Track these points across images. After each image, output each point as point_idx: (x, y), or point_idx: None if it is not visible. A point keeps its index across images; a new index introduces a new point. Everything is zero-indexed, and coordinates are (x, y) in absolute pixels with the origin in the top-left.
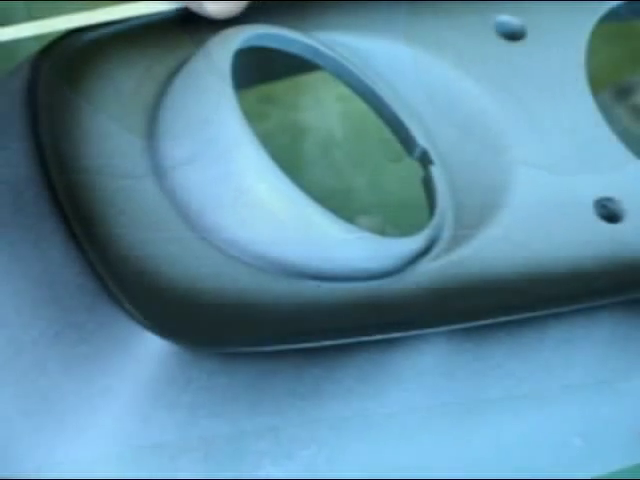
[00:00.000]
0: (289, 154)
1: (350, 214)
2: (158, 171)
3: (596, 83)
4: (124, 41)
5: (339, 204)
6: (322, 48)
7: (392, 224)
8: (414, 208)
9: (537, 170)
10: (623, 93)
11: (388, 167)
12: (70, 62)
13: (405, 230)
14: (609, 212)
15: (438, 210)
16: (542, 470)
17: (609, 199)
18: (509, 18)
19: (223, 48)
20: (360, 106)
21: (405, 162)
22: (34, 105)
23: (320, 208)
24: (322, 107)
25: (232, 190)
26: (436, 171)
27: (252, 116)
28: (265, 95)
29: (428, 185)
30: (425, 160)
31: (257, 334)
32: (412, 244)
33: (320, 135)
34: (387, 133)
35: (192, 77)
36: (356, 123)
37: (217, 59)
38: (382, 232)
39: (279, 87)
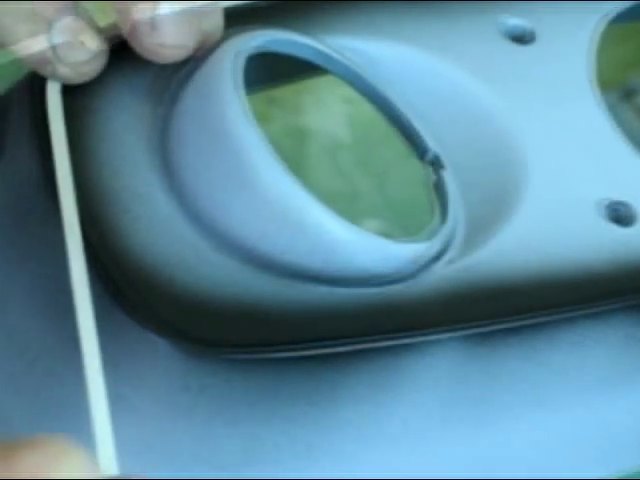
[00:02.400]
0: (296, 157)
1: (357, 217)
2: (166, 173)
3: (605, 84)
4: None
5: (346, 207)
6: (331, 52)
7: (399, 227)
8: (420, 211)
9: (547, 173)
10: (632, 94)
11: (395, 170)
12: None
13: (412, 233)
14: (621, 215)
15: (450, 214)
16: (555, 475)
17: (621, 202)
18: (517, 21)
19: (234, 53)
20: (367, 109)
21: (411, 165)
22: (40, 108)
23: (333, 213)
24: (329, 110)
25: (241, 193)
26: (447, 175)
27: (259, 119)
28: (272, 98)
29: (440, 190)
30: (437, 165)
31: (271, 340)
32: (426, 249)
33: (327, 138)
34: (394, 136)
35: (203, 81)
36: (363, 126)
37: (228, 64)
38: (389, 236)
39: (286, 90)
